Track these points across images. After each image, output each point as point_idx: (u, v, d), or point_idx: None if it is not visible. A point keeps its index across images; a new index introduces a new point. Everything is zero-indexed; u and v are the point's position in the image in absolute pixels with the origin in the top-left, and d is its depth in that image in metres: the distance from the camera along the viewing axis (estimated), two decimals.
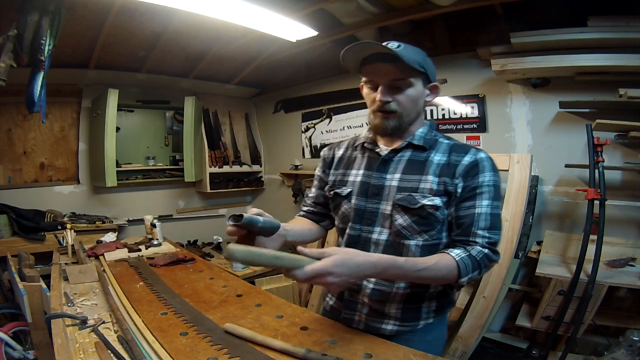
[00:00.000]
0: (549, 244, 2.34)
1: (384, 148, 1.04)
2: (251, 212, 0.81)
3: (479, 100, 2.68)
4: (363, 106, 3.27)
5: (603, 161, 2.01)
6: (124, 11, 2.44)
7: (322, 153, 1.23)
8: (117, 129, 3.21)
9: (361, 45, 0.91)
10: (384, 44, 0.89)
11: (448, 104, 2.82)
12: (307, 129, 3.79)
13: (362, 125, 3.32)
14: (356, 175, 1.07)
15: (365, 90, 1.02)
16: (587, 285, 1.94)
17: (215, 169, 3.82)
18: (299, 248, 0.80)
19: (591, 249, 1.97)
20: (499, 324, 2.62)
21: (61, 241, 2.33)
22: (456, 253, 0.89)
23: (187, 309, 1.25)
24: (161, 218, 3.33)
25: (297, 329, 1.09)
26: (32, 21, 1.98)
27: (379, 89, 0.95)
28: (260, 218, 0.77)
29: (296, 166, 3.87)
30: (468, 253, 0.89)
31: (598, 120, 2.00)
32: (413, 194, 0.95)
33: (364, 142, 1.10)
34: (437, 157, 0.98)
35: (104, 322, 1.17)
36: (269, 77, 4.07)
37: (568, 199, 2.38)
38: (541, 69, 2.22)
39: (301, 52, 3.14)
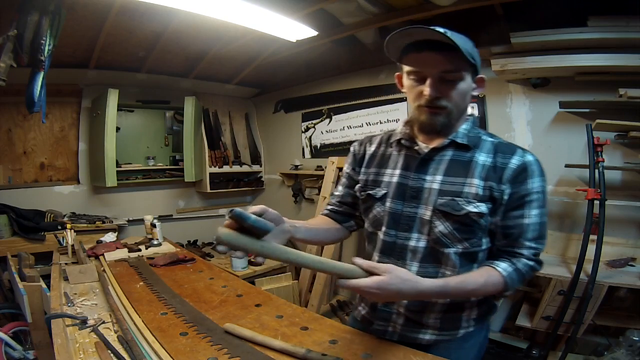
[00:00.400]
0: (549, 244, 2.34)
1: (423, 146, 0.95)
2: (253, 209, 0.79)
3: (479, 100, 2.68)
4: (363, 106, 3.28)
5: (603, 161, 2.01)
6: (124, 11, 2.43)
7: (351, 148, 1.13)
8: (117, 129, 3.21)
9: (411, 30, 0.80)
10: (447, 34, 0.78)
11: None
12: (307, 129, 3.79)
13: (362, 125, 3.32)
14: (392, 175, 0.98)
15: (407, 82, 0.90)
16: (587, 285, 1.94)
17: (215, 169, 3.82)
18: (354, 259, 0.78)
19: (591, 249, 1.97)
20: (499, 324, 2.62)
21: (61, 241, 2.33)
22: (503, 267, 0.85)
23: (187, 309, 1.25)
24: (161, 218, 3.33)
25: (297, 329, 1.09)
26: (32, 21, 1.98)
27: (428, 81, 0.84)
28: (252, 216, 0.70)
29: (296, 166, 3.87)
30: (515, 267, 0.86)
31: (598, 120, 2.00)
32: (457, 198, 0.87)
33: (400, 139, 0.99)
34: (482, 158, 0.89)
35: (104, 322, 1.17)
36: (269, 77, 4.07)
37: (568, 199, 2.38)
38: (541, 69, 2.22)
39: (301, 52, 3.14)
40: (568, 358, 2.06)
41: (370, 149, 1.08)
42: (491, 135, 0.94)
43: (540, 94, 2.44)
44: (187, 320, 1.15)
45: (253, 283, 2.57)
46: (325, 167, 3.30)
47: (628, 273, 1.98)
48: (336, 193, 1.15)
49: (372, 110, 3.23)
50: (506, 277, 0.84)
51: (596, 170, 2.01)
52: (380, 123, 3.19)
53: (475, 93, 0.91)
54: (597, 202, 2.00)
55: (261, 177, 4.34)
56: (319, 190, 3.32)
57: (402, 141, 0.99)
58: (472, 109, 2.71)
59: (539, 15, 2.25)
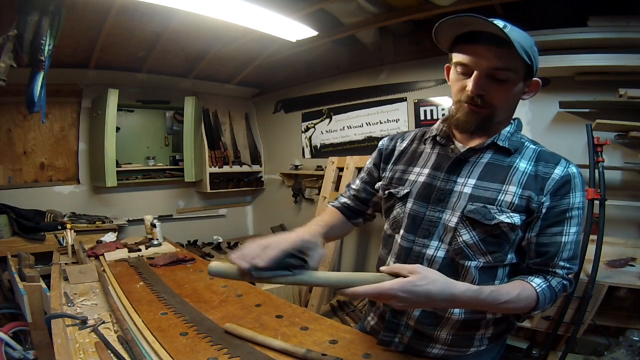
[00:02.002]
0: None
1: (459, 145, 0.88)
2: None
3: None
4: (363, 106, 3.28)
5: (603, 161, 2.01)
6: (124, 11, 2.44)
7: (380, 143, 1.06)
8: (117, 129, 3.21)
9: (463, 18, 0.73)
10: (500, 26, 0.71)
11: (448, 104, 2.82)
12: (307, 129, 3.79)
13: (362, 125, 3.32)
14: (419, 174, 0.91)
15: (452, 75, 0.83)
16: (587, 285, 1.94)
17: (215, 169, 3.82)
18: (382, 268, 0.71)
19: (591, 249, 1.97)
20: None
21: (61, 241, 2.33)
22: (537, 283, 0.79)
23: (187, 309, 1.25)
24: (161, 218, 3.33)
25: (297, 329, 1.09)
26: (32, 21, 1.99)
27: (473, 76, 0.77)
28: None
29: (296, 166, 3.87)
30: (548, 283, 0.79)
31: (598, 120, 2.00)
32: (489, 206, 0.79)
33: (436, 135, 0.92)
34: (523, 164, 0.82)
35: (104, 322, 1.17)
36: (269, 77, 4.07)
37: None
38: (541, 69, 2.18)
39: (301, 52, 3.14)
40: (568, 358, 2.06)
41: (402, 145, 1.00)
42: (534, 142, 0.88)
43: (540, 94, 2.41)
44: (187, 320, 1.15)
45: (253, 283, 2.57)
46: (325, 167, 3.30)
47: (628, 273, 1.97)
48: (353, 186, 1.09)
49: (372, 110, 3.23)
50: (539, 292, 0.77)
51: (596, 170, 2.01)
52: (380, 123, 3.19)
53: (525, 97, 0.84)
54: (597, 202, 2.00)
55: (261, 177, 4.34)
56: (319, 190, 3.31)
57: (438, 138, 0.92)
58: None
59: (539, 15, 2.25)
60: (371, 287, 0.67)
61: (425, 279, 0.68)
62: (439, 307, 0.71)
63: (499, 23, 0.73)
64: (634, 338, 1.89)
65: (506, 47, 0.71)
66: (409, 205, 0.89)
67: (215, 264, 0.73)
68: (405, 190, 0.91)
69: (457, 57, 0.80)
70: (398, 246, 0.91)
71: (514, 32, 0.73)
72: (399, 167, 0.96)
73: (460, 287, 0.71)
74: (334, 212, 1.08)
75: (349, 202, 1.08)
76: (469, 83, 0.78)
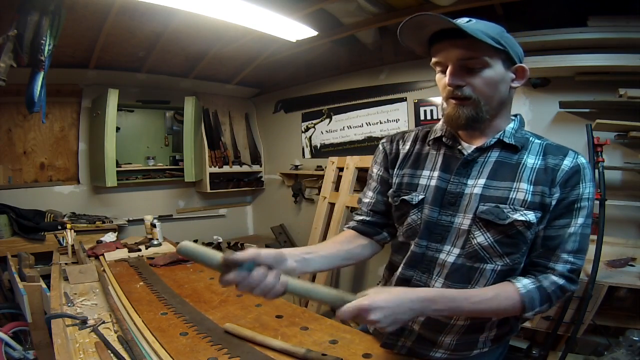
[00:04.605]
0: None
1: (466, 145, 0.86)
2: (241, 257, 0.74)
3: None
4: (363, 106, 3.28)
5: (603, 161, 2.01)
6: (124, 11, 2.44)
7: (381, 146, 1.00)
8: (117, 129, 3.21)
9: (419, 18, 0.74)
10: (452, 20, 0.74)
11: None
12: (307, 129, 3.79)
13: (362, 125, 3.32)
14: (429, 177, 0.88)
15: (436, 77, 0.85)
16: (587, 285, 1.93)
17: (215, 169, 3.83)
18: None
19: (591, 249, 1.96)
20: None
21: (61, 241, 2.33)
22: (522, 284, 0.76)
23: (187, 309, 1.25)
24: (161, 218, 3.33)
25: (297, 329, 1.09)
26: (32, 21, 1.99)
27: (448, 70, 0.79)
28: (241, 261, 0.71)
29: (296, 166, 3.87)
30: (538, 284, 0.76)
31: (598, 120, 2.00)
32: (501, 205, 0.77)
33: (441, 136, 0.90)
34: (531, 160, 0.80)
35: (104, 322, 1.17)
36: (269, 77, 4.07)
37: None
38: (541, 69, 2.22)
39: (301, 52, 3.14)
40: (568, 358, 2.06)
41: (405, 148, 0.96)
42: (539, 137, 0.85)
43: (540, 94, 2.44)
44: (187, 320, 1.15)
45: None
46: (325, 167, 3.30)
47: (628, 273, 1.97)
48: (365, 200, 1.01)
49: (372, 110, 3.23)
50: (523, 294, 0.74)
51: (596, 170, 2.01)
52: (380, 123, 3.19)
53: (514, 85, 0.82)
54: (597, 202, 2.00)
55: (261, 177, 4.34)
56: (319, 190, 3.31)
57: (444, 139, 0.89)
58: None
59: (539, 15, 2.24)
60: (352, 305, 0.71)
61: (389, 289, 0.76)
62: (414, 310, 0.72)
63: (463, 19, 0.76)
64: (634, 338, 1.89)
65: (471, 38, 0.72)
66: (426, 211, 0.86)
67: (185, 243, 0.72)
68: (420, 197, 0.87)
69: (433, 58, 0.83)
70: (410, 253, 0.88)
71: (478, 24, 0.76)
72: (406, 172, 0.92)
73: (422, 289, 0.79)
74: (346, 233, 1.00)
75: (366, 217, 1.00)
76: (446, 78, 0.79)
